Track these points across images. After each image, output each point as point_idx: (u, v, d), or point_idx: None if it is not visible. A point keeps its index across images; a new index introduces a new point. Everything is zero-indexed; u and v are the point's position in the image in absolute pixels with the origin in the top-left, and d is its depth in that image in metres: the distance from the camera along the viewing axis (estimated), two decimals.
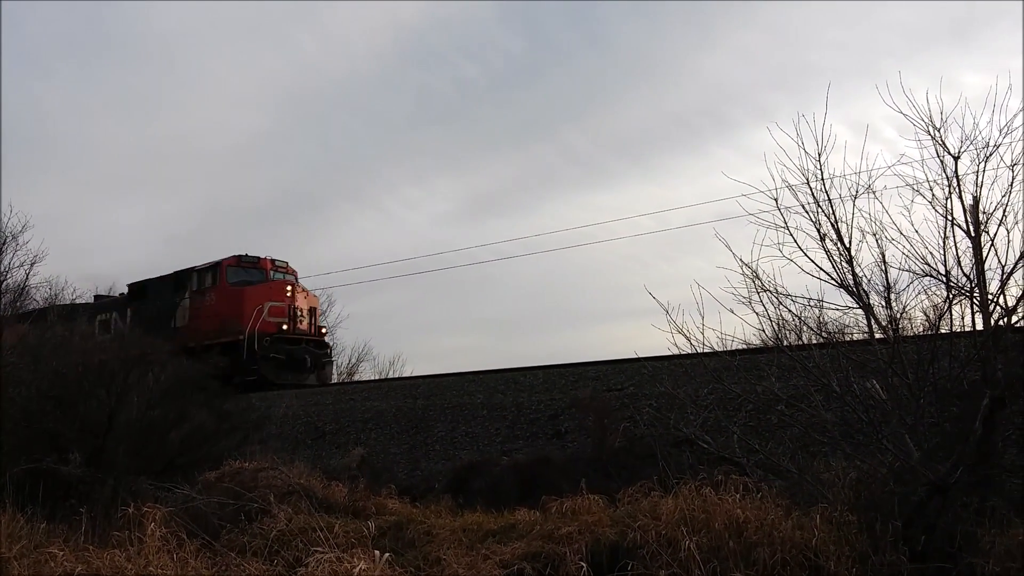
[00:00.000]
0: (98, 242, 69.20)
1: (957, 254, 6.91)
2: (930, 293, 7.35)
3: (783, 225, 8.18)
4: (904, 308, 7.30)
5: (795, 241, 7.71)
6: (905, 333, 7.29)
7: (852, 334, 8.15)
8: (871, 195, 7.58)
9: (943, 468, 6.28)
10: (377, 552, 5.85)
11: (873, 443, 7.13)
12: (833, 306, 8.12)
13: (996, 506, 6.57)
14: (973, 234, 6.91)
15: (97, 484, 9.57)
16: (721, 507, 6.58)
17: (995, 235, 6.86)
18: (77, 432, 10.67)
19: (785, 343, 8.01)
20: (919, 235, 7.06)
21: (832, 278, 7.58)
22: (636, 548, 6.33)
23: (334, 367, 26.55)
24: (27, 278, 23.24)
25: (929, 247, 7.05)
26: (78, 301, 26.37)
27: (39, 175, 68.29)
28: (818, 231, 7.61)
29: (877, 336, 7.42)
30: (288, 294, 21.57)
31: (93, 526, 7.91)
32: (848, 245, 7.43)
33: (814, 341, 8.02)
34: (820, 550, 5.99)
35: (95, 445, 10.51)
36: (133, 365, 11.64)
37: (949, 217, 7.00)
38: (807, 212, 7.73)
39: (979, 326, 6.85)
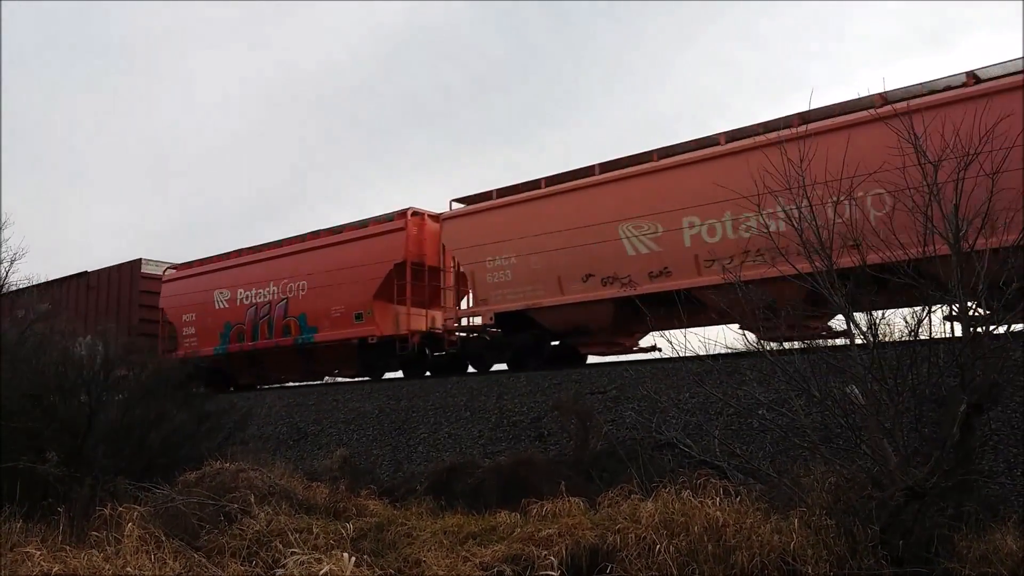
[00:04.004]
0: (74, 241, 68.84)
1: (937, 261, 6.94)
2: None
3: (765, 231, 8.25)
4: (884, 314, 7.33)
5: (776, 246, 7.74)
6: (885, 339, 7.32)
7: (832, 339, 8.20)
8: (852, 202, 7.60)
9: (921, 473, 6.34)
10: (345, 555, 5.85)
11: (852, 448, 7.19)
12: (814, 311, 8.20)
13: (972, 511, 6.64)
14: (952, 241, 6.94)
15: (75, 483, 9.48)
16: (700, 510, 6.63)
17: (974, 242, 6.91)
18: (56, 431, 10.56)
19: (767, 347, 8.06)
20: (899, 241, 7.08)
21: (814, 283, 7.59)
22: (615, 551, 6.36)
23: None
24: (7, 275, 22.87)
25: (909, 254, 7.07)
26: None
27: (15, 174, 67.89)
28: (800, 237, 7.63)
29: (857, 342, 7.44)
30: None
31: (71, 526, 7.85)
32: (829, 252, 7.44)
33: (796, 346, 8.06)
34: (798, 554, 6.03)
35: (74, 444, 10.39)
36: (114, 364, 11.54)
37: (929, 224, 7.03)
38: (789, 218, 7.77)
39: (958, 332, 6.89)
